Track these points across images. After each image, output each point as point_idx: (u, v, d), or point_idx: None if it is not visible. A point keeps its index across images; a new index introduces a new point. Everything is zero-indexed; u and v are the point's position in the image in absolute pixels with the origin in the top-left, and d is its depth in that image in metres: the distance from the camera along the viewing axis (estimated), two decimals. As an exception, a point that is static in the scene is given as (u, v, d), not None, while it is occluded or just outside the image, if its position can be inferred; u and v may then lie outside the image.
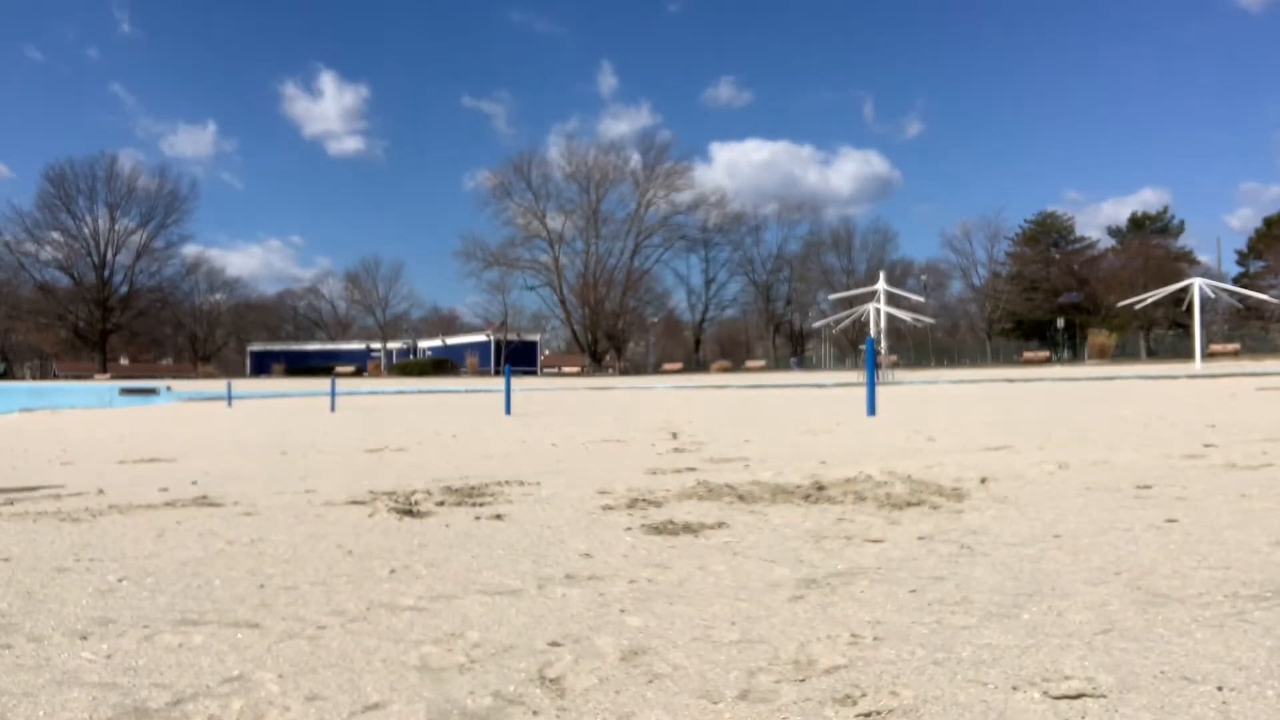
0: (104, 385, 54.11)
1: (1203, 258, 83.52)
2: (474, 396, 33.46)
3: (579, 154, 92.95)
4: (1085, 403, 17.05)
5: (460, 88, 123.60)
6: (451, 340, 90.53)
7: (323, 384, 32.03)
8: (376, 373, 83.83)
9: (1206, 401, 15.92)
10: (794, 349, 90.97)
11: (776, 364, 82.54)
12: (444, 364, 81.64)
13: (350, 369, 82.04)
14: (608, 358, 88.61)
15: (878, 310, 49.20)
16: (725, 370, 75.56)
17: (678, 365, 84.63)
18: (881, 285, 51.39)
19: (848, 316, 59.00)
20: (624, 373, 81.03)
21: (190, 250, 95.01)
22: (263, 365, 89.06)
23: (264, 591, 3.25)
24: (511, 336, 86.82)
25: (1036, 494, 5.28)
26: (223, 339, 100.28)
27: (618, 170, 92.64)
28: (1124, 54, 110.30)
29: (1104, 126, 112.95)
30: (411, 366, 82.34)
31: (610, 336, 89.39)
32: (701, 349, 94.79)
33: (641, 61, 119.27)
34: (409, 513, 5.04)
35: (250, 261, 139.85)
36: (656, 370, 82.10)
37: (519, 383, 40.19)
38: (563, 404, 23.90)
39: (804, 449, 8.89)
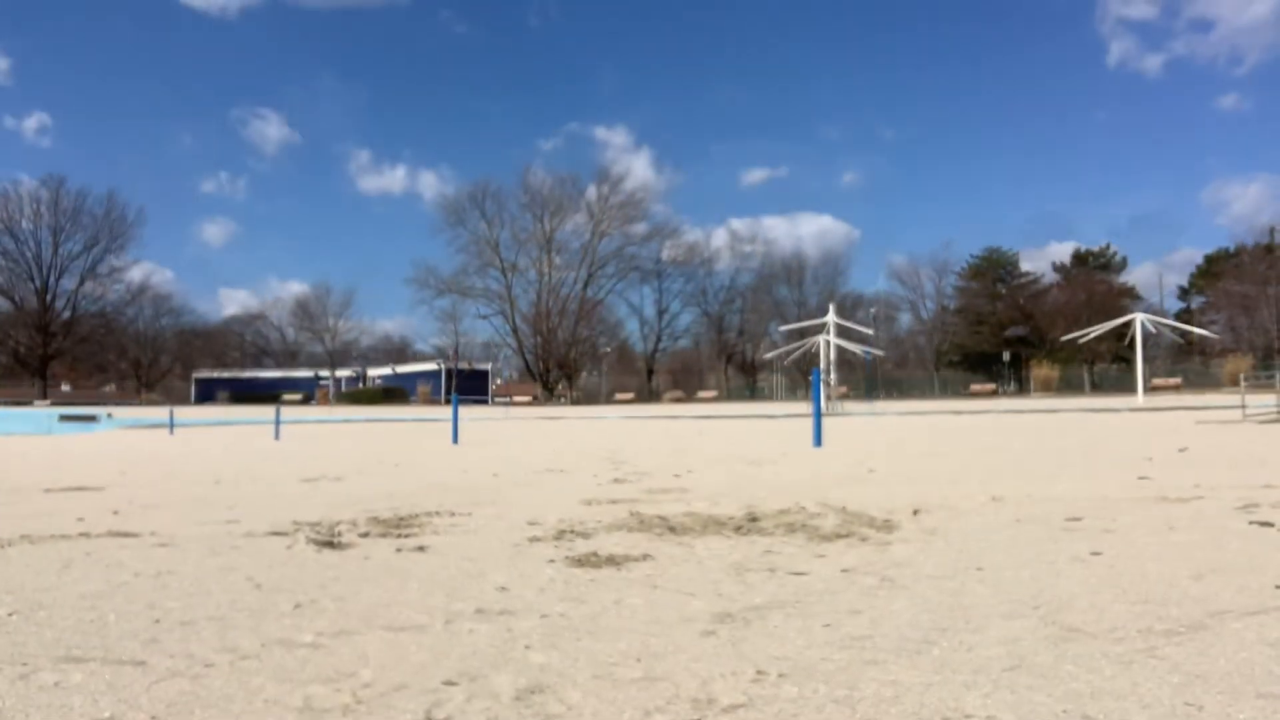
0: (43, 412, 52.84)
1: (1145, 294, 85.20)
2: (422, 425, 33.11)
3: (535, 184, 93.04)
4: (1027, 435, 17.21)
5: (418, 115, 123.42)
6: (402, 369, 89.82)
7: (268, 412, 31.53)
8: (325, 401, 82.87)
9: (1146, 435, 16.13)
10: (746, 380, 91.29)
11: (729, 394, 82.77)
12: (394, 393, 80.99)
13: (298, 397, 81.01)
14: (560, 387, 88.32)
15: (828, 342, 49.53)
16: (678, 400, 75.63)
17: (630, 395, 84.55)
18: (831, 317, 51.76)
19: (799, 348, 59.33)
20: (576, 402, 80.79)
21: (138, 273, 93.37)
22: (208, 393, 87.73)
23: (158, 627, 3.12)
24: (463, 365, 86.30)
25: (966, 526, 5.26)
26: (168, 365, 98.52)
27: (573, 201, 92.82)
28: (1065, 97, 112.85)
29: (1048, 164, 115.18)
30: (361, 395, 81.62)
31: (562, 366, 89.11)
32: (654, 379, 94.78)
33: (568, 146, 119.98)
34: (329, 544, 4.91)
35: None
36: (609, 400, 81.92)
37: (469, 412, 39.81)
38: (510, 433, 23.71)
39: (745, 480, 8.84)
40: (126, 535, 5.44)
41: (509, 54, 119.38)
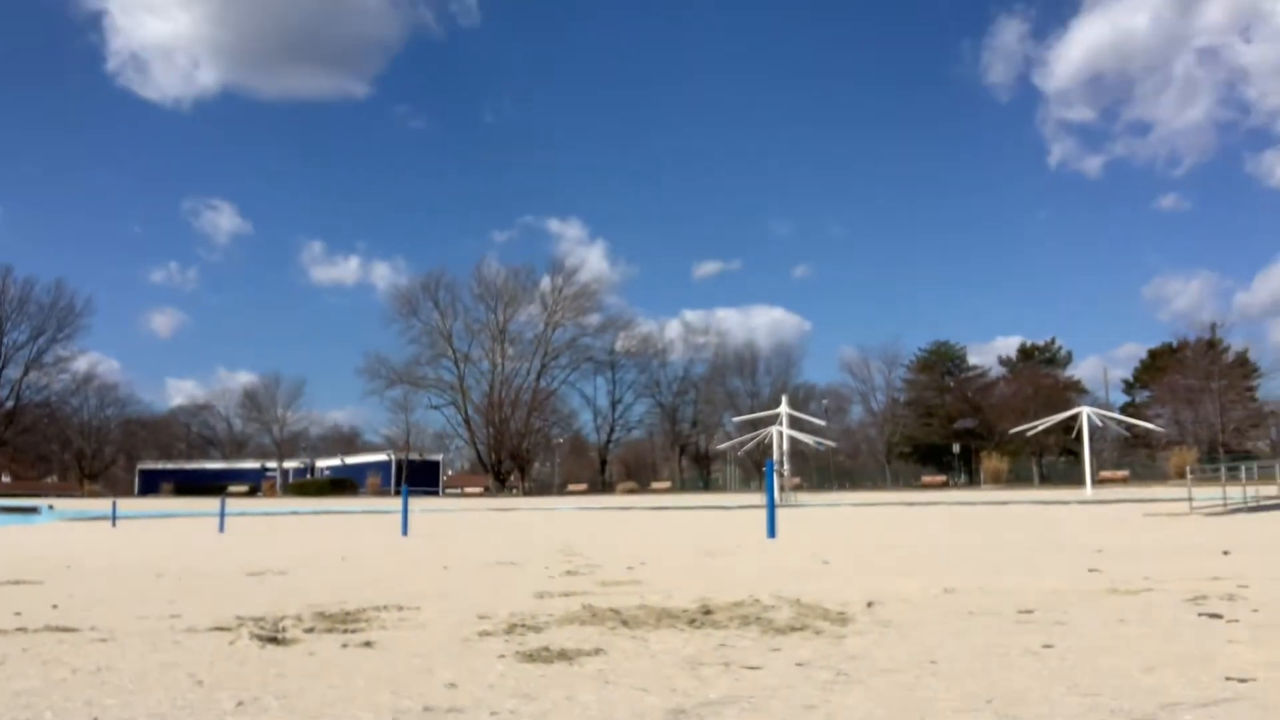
0: (-20, 503, 51.38)
1: (1091, 387, 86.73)
2: (371, 517, 32.59)
3: (489, 275, 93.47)
4: (978, 527, 17.32)
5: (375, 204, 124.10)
6: (351, 459, 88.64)
7: (213, 504, 30.89)
8: (271, 493, 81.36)
9: (1095, 527, 16.29)
10: (700, 471, 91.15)
11: (683, 485, 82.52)
12: (343, 484, 79.78)
13: (244, 489, 79.49)
14: (512, 478, 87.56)
15: (780, 433, 49.76)
16: (631, 492, 75.19)
17: (583, 486, 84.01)
18: (784, 409, 52.11)
19: (752, 439, 59.54)
20: (528, 494, 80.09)
21: (84, 363, 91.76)
22: (152, 484, 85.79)
23: (93, 727, 3.01)
24: (414, 456, 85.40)
25: (920, 618, 5.25)
26: (112, 456, 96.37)
27: (526, 292, 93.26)
28: (1009, 196, 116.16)
29: (994, 260, 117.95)
30: (308, 486, 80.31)
31: (515, 457, 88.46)
32: (607, 470, 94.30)
33: (523, 238, 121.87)
34: (274, 640, 4.79)
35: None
36: (561, 491, 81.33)
37: (420, 503, 39.30)
38: (461, 525, 23.40)
39: (699, 572, 8.78)
40: (65, 630, 5.27)
41: (464, 147, 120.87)
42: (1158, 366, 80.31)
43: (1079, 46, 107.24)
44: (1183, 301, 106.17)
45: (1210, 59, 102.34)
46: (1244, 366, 76.34)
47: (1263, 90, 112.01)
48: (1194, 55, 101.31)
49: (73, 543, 17.89)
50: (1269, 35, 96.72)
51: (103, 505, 41.05)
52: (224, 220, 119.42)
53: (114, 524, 27.91)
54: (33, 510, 44.44)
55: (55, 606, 6.57)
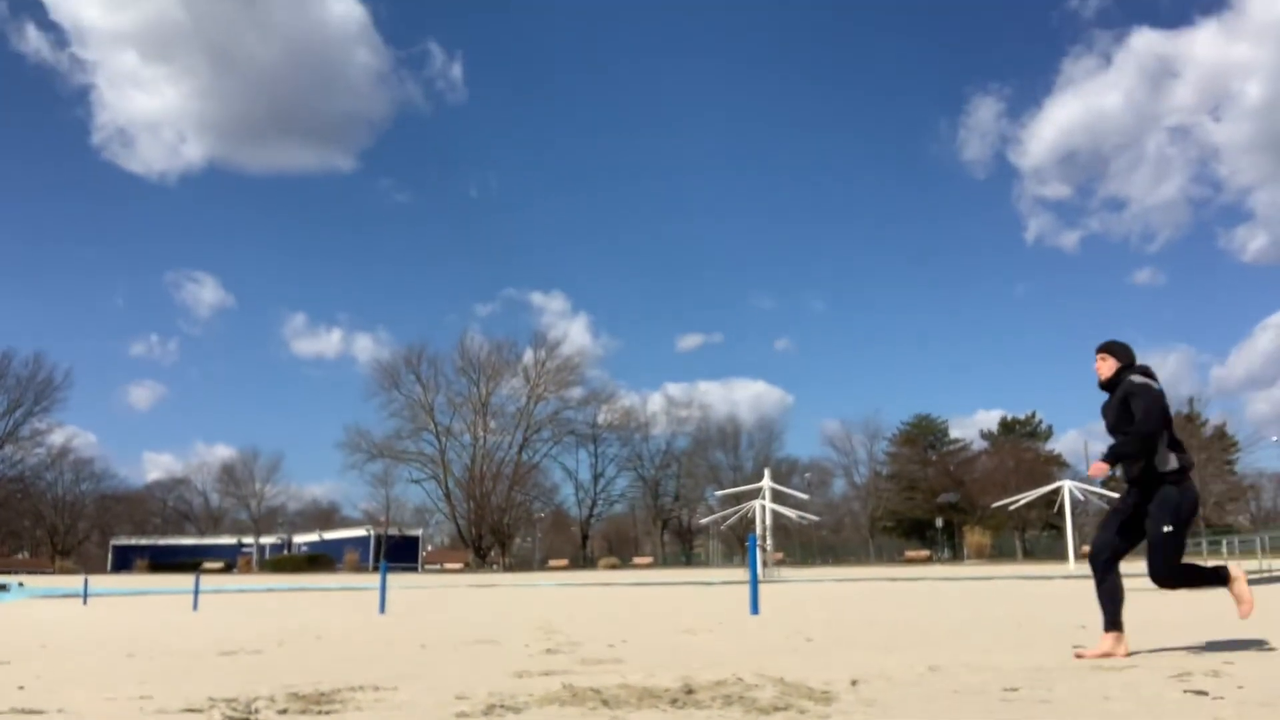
0: (-52, 580, 50.40)
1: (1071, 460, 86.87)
2: (348, 594, 32.14)
3: (471, 348, 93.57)
4: (962, 603, 17.22)
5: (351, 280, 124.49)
6: (329, 535, 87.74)
7: (187, 581, 30.42)
8: (247, 569, 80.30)
9: (1079, 602, 16.21)
10: (682, 545, 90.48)
11: (665, 560, 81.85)
12: (320, 560, 78.85)
13: (219, 565, 78.43)
14: (492, 554, 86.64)
15: (764, 507, 49.57)
16: (613, 567, 74.59)
17: (564, 562, 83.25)
18: (767, 482, 51.98)
19: (734, 513, 59.26)
20: (509, 569, 79.27)
21: (60, 436, 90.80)
22: (125, 560, 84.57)
23: (57, 815, 2.92)
24: (393, 531, 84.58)
25: (905, 696, 5.19)
26: (85, 532, 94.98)
27: (509, 365, 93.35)
28: (987, 271, 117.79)
29: (973, 334, 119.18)
30: (285, 562, 79.32)
31: (496, 532, 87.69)
32: (589, 545, 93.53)
33: (505, 311, 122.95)
34: (246, 722, 4.68)
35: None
36: (542, 567, 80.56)
37: (398, 580, 38.83)
38: (441, 602, 23.09)
39: (681, 649, 8.67)
40: (31, 712, 5.14)
41: (448, 221, 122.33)
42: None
43: (1053, 125, 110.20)
44: (1160, 375, 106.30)
45: (1182, 137, 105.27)
46: (1223, 440, 76.92)
47: (1233, 168, 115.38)
48: (1166, 134, 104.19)
49: (42, 621, 17.54)
50: (1238, 115, 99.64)
51: (74, 582, 40.35)
52: (206, 293, 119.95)
53: (85, 601, 27.39)
54: (1, 587, 43.61)
55: (22, 688, 6.42)
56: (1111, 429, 6.80)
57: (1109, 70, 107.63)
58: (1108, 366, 6.91)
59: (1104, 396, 7.24)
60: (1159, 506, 6.51)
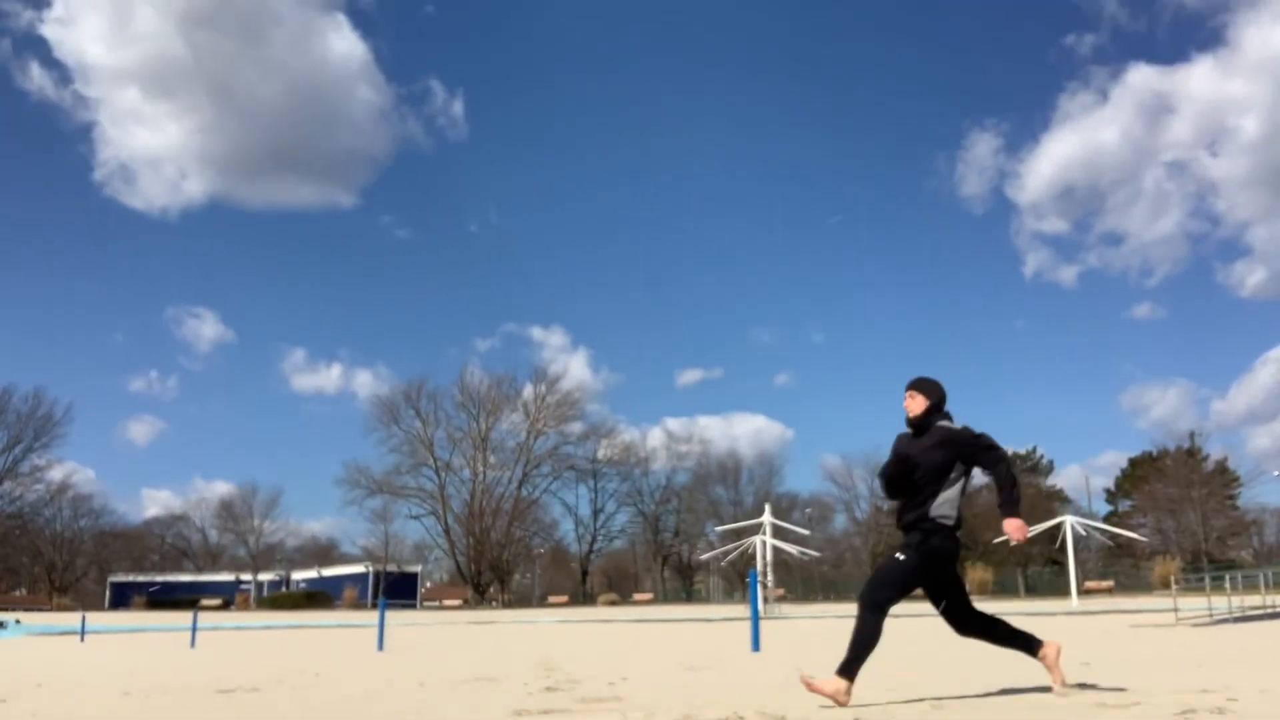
0: (-57, 618, 50.05)
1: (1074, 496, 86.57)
2: (347, 631, 31.91)
3: (471, 383, 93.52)
4: (965, 640, 17.06)
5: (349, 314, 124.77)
6: (328, 571, 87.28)
7: (185, 618, 30.22)
8: (245, 606, 79.87)
9: (1081, 639, 16.11)
10: (682, 581, 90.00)
11: (665, 596, 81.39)
12: (319, 596, 78.43)
13: (217, 602, 77.99)
14: (491, 590, 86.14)
15: (764, 543, 49.34)
16: (613, 603, 74.14)
17: (564, 598, 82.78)
18: (767, 518, 51.76)
19: (735, 549, 58.98)
20: (508, 605, 78.81)
21: (59, 472, 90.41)
22: (123, 597, 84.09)
23: None
24: (392, 567, 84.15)
25: (908, 735, 5.15)
26: (83, 569, 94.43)
27: (509, 400, 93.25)
28: (985, 306, 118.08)
29: (972, 369, 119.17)
30: (283, 599, 78.92)
31: (495, 568, 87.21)
32: (589, 581, 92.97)
33: (505, 346, 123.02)
34: (244, 761, 4.64)
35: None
36: (542, 603, 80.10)
37: (397, 616, 38.60)
38: (440, 639, 22.94)
39: (681, 687, 8.60)
40: (24, 753, 5.10)
41: (448, 257, 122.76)
42: (1139, 475, 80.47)
43: (1050, 160, 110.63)
44: (1161, 410, 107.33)
45: (1179, 172, 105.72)
46: (1224, 475, 76.65)
47: (1231, 203, 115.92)
48: (1163, 169, 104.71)
49: (38, 659, 17.40)
50: (1235, 150, 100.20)
51: (72, 619, 40.04)
52: (206, 328, 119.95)
53: (83, 639, 27.20)
54: (-1, 625, 43.28)
55: (17, 727, 6.37)
56: (913, 474, 6.32)
57: (1106, 106, 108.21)
58: (917, 404, 6.54)
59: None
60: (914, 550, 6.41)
